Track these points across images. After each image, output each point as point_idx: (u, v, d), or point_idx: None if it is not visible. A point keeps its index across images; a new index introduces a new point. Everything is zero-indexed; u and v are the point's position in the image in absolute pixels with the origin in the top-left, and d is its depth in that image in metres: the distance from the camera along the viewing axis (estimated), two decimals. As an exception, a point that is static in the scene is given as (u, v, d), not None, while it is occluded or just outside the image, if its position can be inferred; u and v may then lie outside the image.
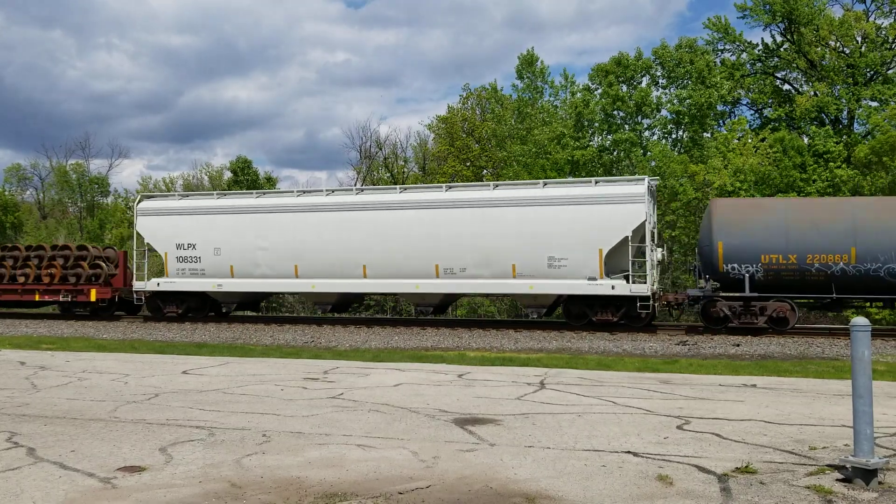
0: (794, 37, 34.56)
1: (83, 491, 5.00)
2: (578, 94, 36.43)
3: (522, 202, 19.23)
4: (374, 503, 4.69)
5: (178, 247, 22.14)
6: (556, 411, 7.83)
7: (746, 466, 5.40)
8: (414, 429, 6.96)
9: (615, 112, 34.58)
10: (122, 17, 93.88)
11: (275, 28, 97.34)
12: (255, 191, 23.98)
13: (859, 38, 33.99)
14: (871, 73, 33.36)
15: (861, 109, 32.54)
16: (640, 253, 18.74)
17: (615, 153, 34.65)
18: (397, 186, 21.37)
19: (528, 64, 39.41)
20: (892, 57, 33.31)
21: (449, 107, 42.36)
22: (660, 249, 19.81)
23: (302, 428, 7.00)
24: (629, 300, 18.52)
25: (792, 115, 34.10)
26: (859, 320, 5.19)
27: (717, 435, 6.59)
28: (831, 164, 29.77)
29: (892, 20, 34.39)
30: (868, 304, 19.10)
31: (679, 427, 6.96)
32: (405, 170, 46.91)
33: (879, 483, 4.99)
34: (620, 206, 18.47)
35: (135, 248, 23.34)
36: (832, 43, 33.93)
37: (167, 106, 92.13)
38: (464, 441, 6.44)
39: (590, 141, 34.89)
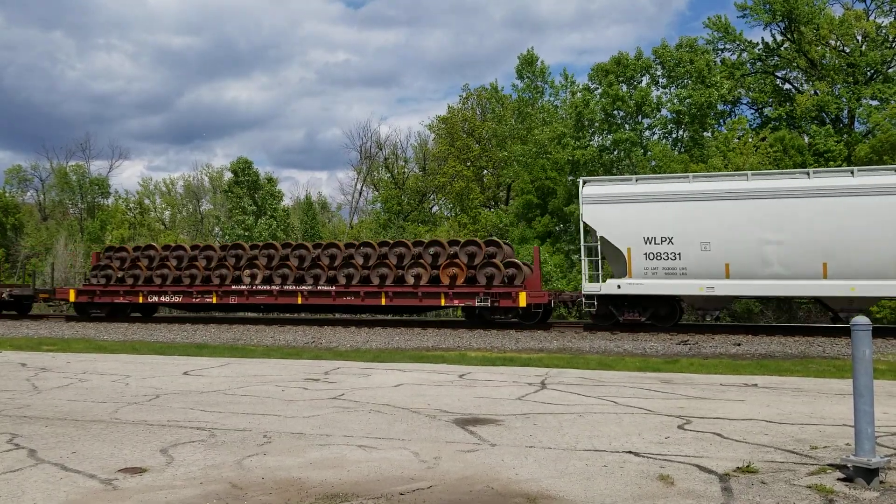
0: (795, 36, 34.56)
1: (84, 492, 4.99)
2: (578, 94, 36.45)
3: None
4: (376, 504, 4.69)
5: (647, 241, 18.25)
6: (558, 411, 7.82)
7: (748, 466, 5.40)
8: (415, 429, 6.95)
9: (615, 112, 34.59)
10: (122, 18, 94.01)
11: (275, 28, 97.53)
12: (747, 172, 19.99)
13: (859, 37, 34.00)
14: (872, 71, 33.36)
15: (861, 108, 32.54)
16: None
17: (615, 153, 34.67)
18: None
19: (529, 64, 39.45)
20: (893, 56, 33.29)
21: (449, 107, 42.46)
22: None
23: (303, 429, 7.00)
24: None
25: (792, 115, 34.10)
26: (860, 319, 5.18)
27: (719, 435, 6.59)
28: (832, 163, 29.78)
29: (892, 19, 34.40)
30: None
31: (680, 427, 6.96)
32: (405, 170, 46.94)
33: (881, 482, 4.98)
34: None
35: (582, 242, 19.64)
36: (832, 42, 33.95)
37: (167, 106, 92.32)
38: (465, 441, 6.44)
39: (590, 141, 34.90)
